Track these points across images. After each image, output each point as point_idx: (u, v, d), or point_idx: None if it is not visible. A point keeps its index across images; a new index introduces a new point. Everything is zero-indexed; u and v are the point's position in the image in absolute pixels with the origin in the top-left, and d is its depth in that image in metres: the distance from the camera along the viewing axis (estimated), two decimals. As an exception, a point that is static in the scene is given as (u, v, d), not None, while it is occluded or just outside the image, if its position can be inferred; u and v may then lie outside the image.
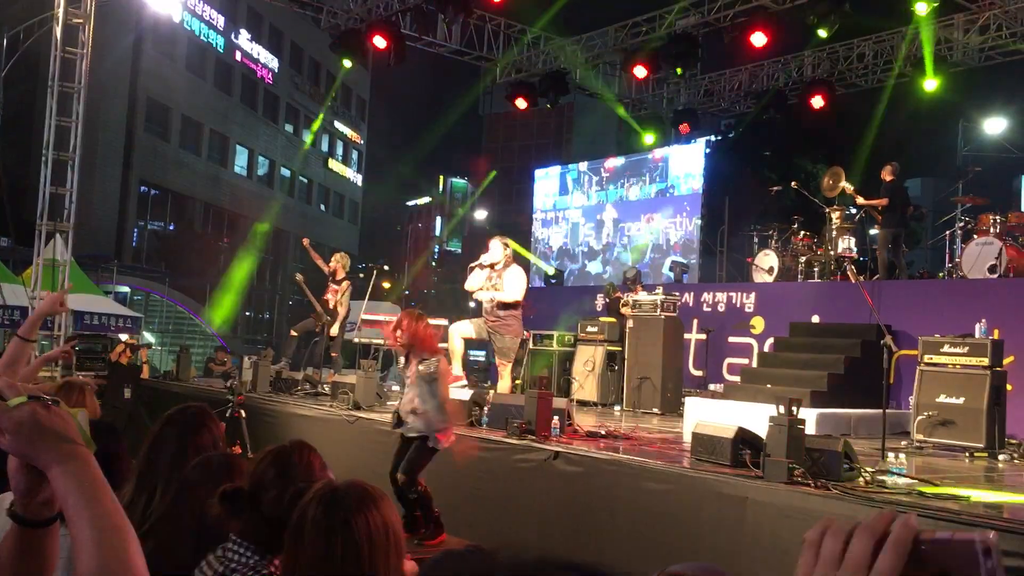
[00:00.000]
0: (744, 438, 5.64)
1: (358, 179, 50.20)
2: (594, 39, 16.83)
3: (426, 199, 63.78)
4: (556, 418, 7.03)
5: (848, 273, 9.78)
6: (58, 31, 12.47)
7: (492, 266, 8.78)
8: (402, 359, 6.57)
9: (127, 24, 26.83)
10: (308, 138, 42.97)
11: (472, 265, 9.01)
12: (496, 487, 6.73)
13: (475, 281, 8.97)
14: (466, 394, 8.05)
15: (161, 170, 32.79)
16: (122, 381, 12.76)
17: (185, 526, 2.23)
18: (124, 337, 16.05)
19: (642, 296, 11.10)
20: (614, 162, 18.94)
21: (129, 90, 30.44)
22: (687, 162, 17.47)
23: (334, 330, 11.77)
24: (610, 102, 19.67)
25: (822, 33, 12.85)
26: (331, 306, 11.70)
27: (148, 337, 23.55)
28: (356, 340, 13.59)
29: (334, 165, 47.03)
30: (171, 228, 34.58)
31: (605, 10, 16.56)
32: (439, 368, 6.26)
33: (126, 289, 24.76)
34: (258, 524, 2.10)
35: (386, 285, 11.67)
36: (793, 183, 13.82)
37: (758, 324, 11.70)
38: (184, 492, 2.32)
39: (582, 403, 10.87)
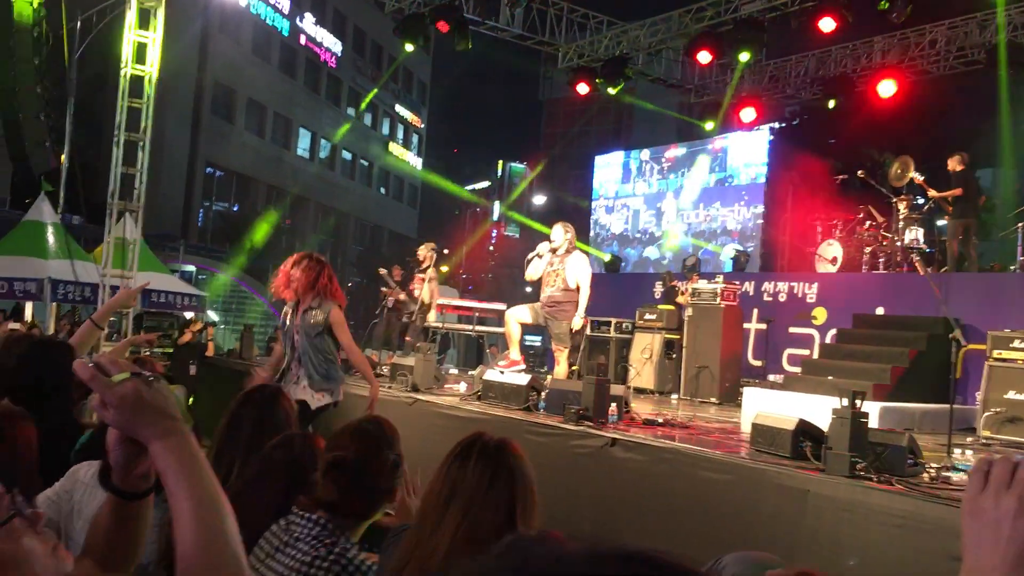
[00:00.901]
0: (805, 430, 5.57)
1: (418, 163, 50.51)
2: (657, 24, 16.64)
3: (484, 183, 63.88)
4: (614, 405, 7.02)
5: (915, 264, 9.56)
6: (131, 15, 12.74)
7: (554, 251, 8.77)
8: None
9: (196, 8, 27.33)
10: (363, 114, 43.33)
11: (530, 256, 9.01)
12: (552, 473, 6.74)
13: (536, 270, 8.96)
14: (523, 379, 8.07)
15: (226, 152, 33.38)
16: (188, 358, 13.09)
17: (268, 501, 2.28)
18: (189, 315, 16.42)
19: (701, 284, 11.00)
20: (675, 151, 18.76)
21: (197, 73, 31.01)
22: (748, 150, 17.24)
23: (426, 317, 11.87)
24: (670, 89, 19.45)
25: (894, 18, 12.55)
26: (416, 294, 11.81)
27: (212, 316, 24.06)
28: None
29: (394, 148, 47.38)
30: (235, 209, 35.20)
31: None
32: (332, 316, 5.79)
33: (191, 268, 25.31)
34: (334, 496, 2.15)
35: (444, 269, 11.74)
36: (860, 172, 13.54)
37: (820, 315, 11.52)
38: (269, 468, 2.38)
39: (639, 391, 10.83)
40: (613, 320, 12.31)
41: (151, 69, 12.87)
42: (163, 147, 26.80)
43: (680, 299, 11.29)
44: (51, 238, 13.71)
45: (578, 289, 8.68)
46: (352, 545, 2.16)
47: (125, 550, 1.38)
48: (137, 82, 12.92)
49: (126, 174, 12.90)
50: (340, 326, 5.79)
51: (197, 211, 32.68)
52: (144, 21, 13.01)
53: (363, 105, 42.25)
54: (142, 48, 12.95)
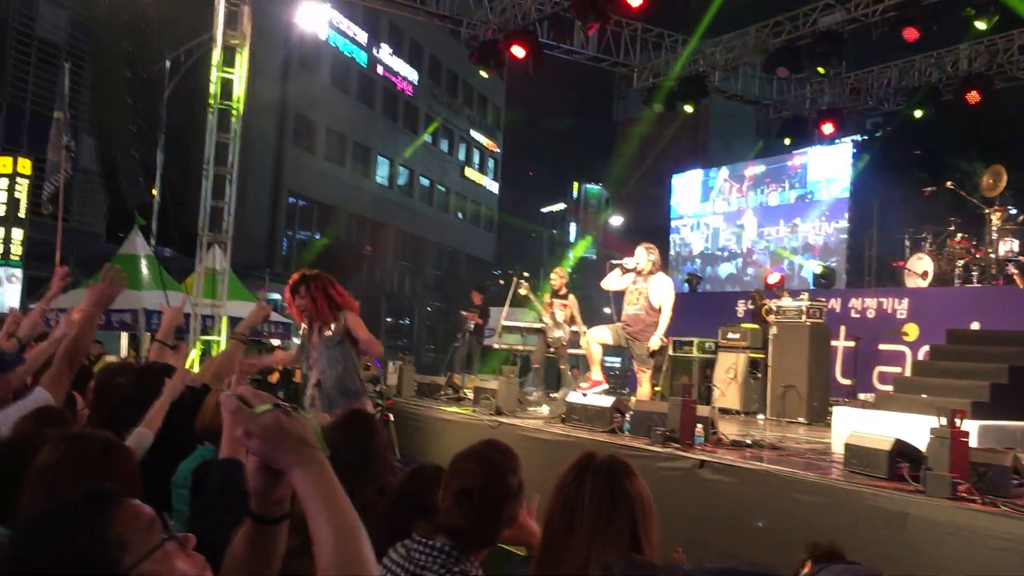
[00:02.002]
0: (902, 450, 5.41)
1: (494, 187, 50.91)
2: (734, 40, 16.52)
3: (560, 205, 63.92)
4: (700, 426, 6.93)
5: (1012, 277, 9.23)
6: (217, 53, 13.20)
7: (637, 272, 8.73)
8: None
9: (277, 43, 28.14)
10: (439, 140, 43.84)
11: (614, 263, 8.98)
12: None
13: (613, 282, 8.95)
14: (607, 400, 8.03)
15: (308, 182, 34.17)
16: (276, 385, 13.43)
17: (383, 528, 2.31)
18: (276, 342, 16.81)
19: (787, 302, 10.81)
20: (754, 169, 18.53)
21: (278, 106, 31.88)
22: (829, 165, 16.92)
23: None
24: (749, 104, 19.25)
25: (980, 25, 12.21)
26: (560, 321, 11.58)
27: (297, 343, 24.53)
28: (496, 346, 13.76)
29: (470, 173, 47.87)
30: (317, 237, 35.97)
31: (746, 11, 16.22)
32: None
33: (276, 296, 25.89)
34: (460, 523, 2.18)
35: (522, 291, 11.84)
36: (948, 183, 13.15)
37: (911, 331, 11.19)
38: (405, 499, 2.41)
39: (723, 411, 10.66)
40: (695, 340, 12.16)
41: (237, 105, 13.30)
42: (248, 179, 27.55)
43: (766, 317, 11.10)
44: (144, 270, 14.19)
45: (660, 310, 8.62)
46: (479, 572, 2.18)
47: (261, 573, 1.43)
48: (224, 117, 13.37)
49: (215, 207, 13.33)
50: (356, 326, 5.68)
51: (281, 240, 33.48)
52: (229, 59, 13.47)
53: (431, 128, 42.72)
54: (228, 84, 13.40)
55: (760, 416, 10.54)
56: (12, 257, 15.32)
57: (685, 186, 19.91)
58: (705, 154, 48.34)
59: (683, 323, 13.05)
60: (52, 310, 6.27)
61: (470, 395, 10.34)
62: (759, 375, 10.98)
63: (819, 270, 15.10)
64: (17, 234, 15.38)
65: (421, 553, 2.17)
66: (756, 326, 11.44)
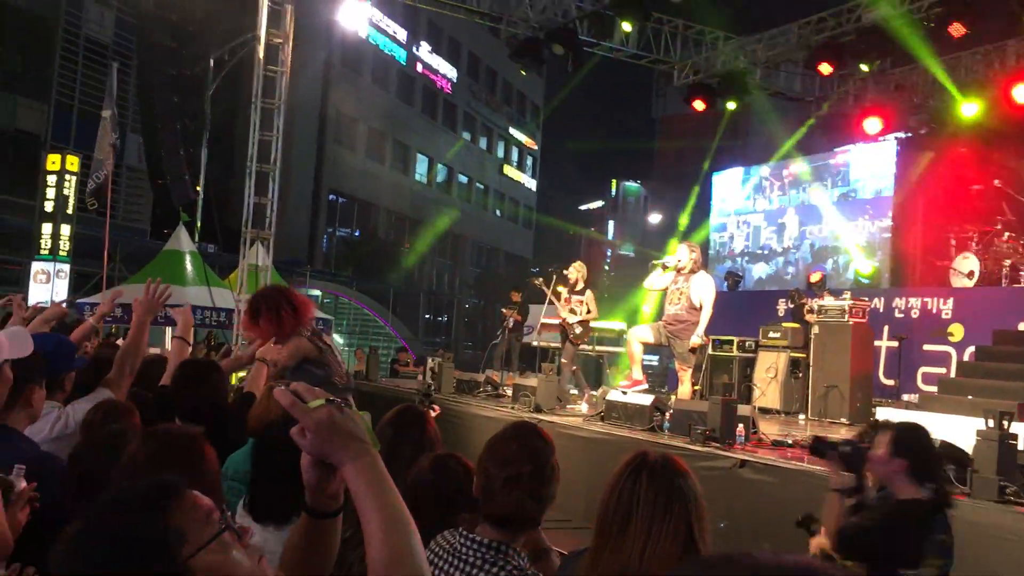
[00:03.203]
0: (947, 453, 5.34)
1: (532, 184, 50.93)
2: (776, 37, 16.36)
3: (599, 203, 63.80)
4: (741, 425, 6.90)
5: (1062, 278, 9.06)
6: (260, 51, 13.34)
7: (679, 270, 8.70)
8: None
9: (319, 41, 28.38)
10: (477, 137, 43.97)
11: (655, 263, 8.96)
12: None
13: (655, 281, 8.93)
14: (647, 399, 8.02)
15: (348, 179, 34.45)
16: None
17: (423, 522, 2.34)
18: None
19: (829, 301, 10.69)
20: (796, 167, 18.34)
21: (320, 104, 32.16)
22: (872, 162, 16.70)
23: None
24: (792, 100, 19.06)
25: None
26: (581, 315, 11.36)
27: (337, 339, 24.76)
28: (535, 344, 13.78)
29: (509, 171, 47.93)
30: (357, 234, 36.25)
31: (788, 7, 16.07)
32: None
33: (317, 292, 26.14)
34: (510, 509, 2.20)
35: (560, 289, 11.82)
36: (995, 181, 12.92)
37: (957, 331, 11.03)
38: (428, 490, 2.44)
39: (764, 411, 10.59)
40: (735, 339, 12.07)
41: (280, 102, 13.43)
42: (289, 176, 27.85)
43: (807, 317, 10.99)
44: (189, 266, 14.40)
45: (701, 308, 8.58)
46: (526, 561, 2.20)
47: (317, 565, 1.47)
48: (267, 115, 13.51)
49: (258, 204, 13.48)
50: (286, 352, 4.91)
51: (321, 237, 33.80)
52: (272, 57, 13.61)
53: (451, 150, 42.86)
54: (270, 83, 13.54)
55: (801, 416, 10.45)
56: (60, 253, 15.63)
57: (726, 184, 19.77)
58: (745, 151, 47.91)
59: (723, 322, 12.96)
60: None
61: (509, 392, 10.37)
62: (800, 375, 10.88)
63: (862, 269, 14.91)
64: (65, 230, 15.68)
65: (469, 549, 2.19)
66: (797, 325, 11.34)
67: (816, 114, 19.29)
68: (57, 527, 2.36)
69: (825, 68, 14.84)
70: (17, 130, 23.88)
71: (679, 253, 8.78)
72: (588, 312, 11.22)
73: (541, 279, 11.95)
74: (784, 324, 11.64)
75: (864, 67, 15.01)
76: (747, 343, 11.90)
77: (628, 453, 2.13)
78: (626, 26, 14.46)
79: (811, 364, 10.51)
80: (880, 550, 3.08)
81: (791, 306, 12.47)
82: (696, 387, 10.20)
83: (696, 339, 8.63)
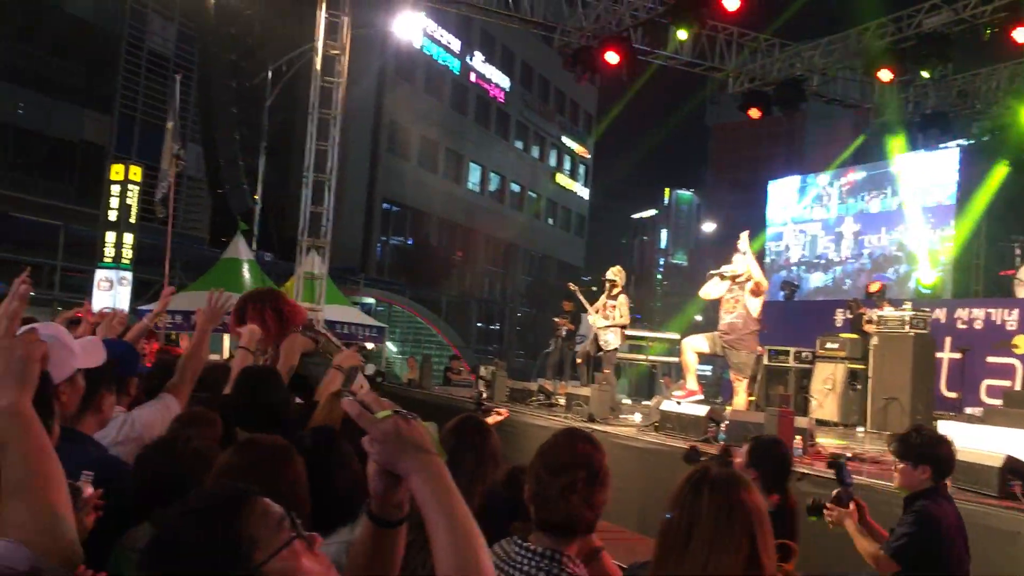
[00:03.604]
0: (1013, 467, 5.21)
1: (585, 193, 50.88)
2: (833, 44, 16.13)
3: (651, 211, 63.54)
4: (798, 438, 6.79)
5: None
6: (318, 62, 13.56)
7: (734, 279, 8.62)
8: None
9: (373, 52, 28.71)
10: (530, 146, 44.10)
11: (712, 273, 8.89)
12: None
13: (712, 290, 8.85)
14: (702, 409, 7.95)
15: (401, 188, 34.75)
16: (346, 384, 13.69)
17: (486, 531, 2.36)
18: (370, 346, 17.14)
19: (888, 312, 10.48)
20: (855, 175, 18.05)
21: (374, 114, 32.51)
22: (933, 170, 16.37)
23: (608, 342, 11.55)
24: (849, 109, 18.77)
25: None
26: (615, 319, 11.36)
27: (390, 346, 24.96)
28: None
29: (561, 179, 47.94)
30: (410, 243, 36.53)
31: (846, 13, 15.86)
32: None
33: (371, 300, 26.39)
34: (565, 515, 2.21)
35: (572, 287, 12.00)
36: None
37: (1022, 343, 10.74)
38: (499, 502, 2.46)
39: (821, 423, 10.40)
40: (791, 349, 11.89)
41: (336, 112, 13.63)
42: (344, 185, 28.19)
43: (867, 327, 10.79)
44: (247, 274, 14.63)
45: (759, 318, 8.49)
46: (582, 569, 2.20)
47: (382, 573, 1.48)
48: (323, 125, 13.72)
49: (314, 212, 13.68)
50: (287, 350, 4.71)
51: (375, 245, 34.12)
52: (328, 68, 13.82)
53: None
54: (327, 93, 13.75)
55: (859, 429, 10.25)
56: (123, 261, 15.97)
57: (781, 192, 19.53)
58: (801, 159, 47.35)
59: (778, 332, 12.80)
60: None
61: (561, 401, 10.35)
62: (859, 386, 10.67)
63: (924, 279, 14.61)
64: (128, 238, 16.03)
65: (524, 558, 2.20)
66: (856, 336, 11.13)
67: (875, 121, 18.99)
68: (121, 531, 2.43)
69: (885, 75, 14.59)
70: (83, 141, 24.55)
71: (734, 261, 8.70)
72: (620, 317, 11.17)
73: (576, 286, 11.90)
74: (842, 335, 11.44)
75: (926, 74, 14.73)
76: (803, 354, 11.71)
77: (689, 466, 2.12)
78: (681, 34, 14.37)
79: (870, 376, 10.30)
80: None
81: (849, 316, 12.25)
82: (751, 398, 10.09)
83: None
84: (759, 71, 16.90)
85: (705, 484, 1.98)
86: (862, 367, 10.66)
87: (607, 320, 11.07)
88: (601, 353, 11.36)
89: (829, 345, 11.24)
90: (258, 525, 1.25)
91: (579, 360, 11.48)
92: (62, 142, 23.83)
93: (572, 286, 12.04)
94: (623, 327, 11.28)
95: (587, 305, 11.41)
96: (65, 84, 24.01)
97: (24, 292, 4.18)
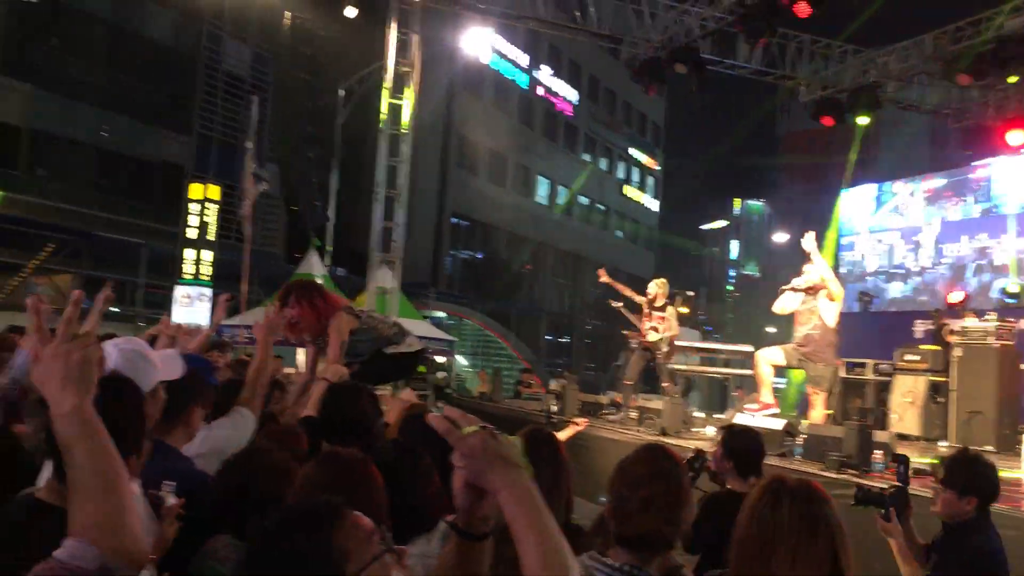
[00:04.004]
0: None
1: (653, 204, 50.56)
2: (909, 49, 15.77)
3: (722, 222, 62.79)
4: (878, 452, 6.63)
5: None
6: (388, 79, 13.79)
7: (807, 290, 8.48)
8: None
9: (442, 68, 29.04)
10: (598, 159, 44.03)
11: (784, 288, 8.76)
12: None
13: (786, 304, 8.71)
14: (778, 423, 7.82)
15: (470, 203, 35.01)
16: (437, 397, 13.91)
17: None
18: (440, 359, 17.27)
19: (971, 323, 10.18)
20: (933, 183, 17.57)
21: (443, 129, 32.86)
22: (1017, 176, 15.84)
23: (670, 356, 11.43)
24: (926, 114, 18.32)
25: None
26: (661, 333, 11.15)
27: (460, 360, 25.10)
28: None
29: (630, 191, 47.73)
30: (479, 257, 36.76)
31: (921, 17, 15.49)
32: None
33: (441, 314, 26.61)
34: (644, 530, 2.21)
35: (683, 310, 11.69)
36: None
37: (1113, 355, 10.30)
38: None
39: (901, 437, 10.10)
40: (869, 362, 11.60)
41: (407, 129, 13.83)
42: (413, 199, 28.53)
43: (949, 338, 10.48)
44: (320, 289, 14.86)
45: (836, 328, 8.33)
46: None
47: None
48: (394, 142, 13.93)
49: (385, 227, 13.89)
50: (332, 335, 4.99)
51: (445, 259, 34.41)
52: (399, 86, 14.04)
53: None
54: (397, 110, 13.96)
55: (942, 443, 9.95)
56: (202, 277, 16.42)
57: (856, 201, 19.11)
58: (876, 167, 46.28)
59: (856, 344, 12.52)
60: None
61: (633, 414, 10.28)
62: (940, 399, 10.37)
63: (1009, 288, 14.14)
64: (207, 255, 16.48)
65: (603, 573, 2.19)
66: (937, 347, 10.82)
67: (954, 127, 18.50)
68: (201, 542, 2.50)
69: (965, 79, 14.20)
70: (163, 161, 25.34)
71: (807, 273, 8.55)
72: (669, 329, 11.03)
73: (621, 303, 11.71)
74: (922, 346, 11.14)
75: (1013, 78, 14.28)
76: (882, 366, 11.42)
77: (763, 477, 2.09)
78: (750, 44, 14.24)
79: (953, 389, 10.01)
80: (699, 538, 3.30)
81: (930, 327, 11.93)
82: (829, 411, 9.88)
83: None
84: (831, 78, 16.61)
85: (784, 495, 1.95)
86: (944, 380, 10.35)
87: (658, 334, 10.96)
88: (655, 364, 11.29)
89: (909, 357, 10.94)
90: (350, 538, 1.28)
91: (628, 381, 11.32)
92: (144, 163, 24.65)
93: (614, 303, 11.86)
94: (672, 339, 11.16)
95: (638, 322, 11.30)
96: (146, 106, 24.83)
97: (106, 299, 4.36)
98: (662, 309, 11.09)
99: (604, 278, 11.64)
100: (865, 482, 5.94)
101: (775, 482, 2.02)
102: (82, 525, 1.37)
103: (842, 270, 18.56)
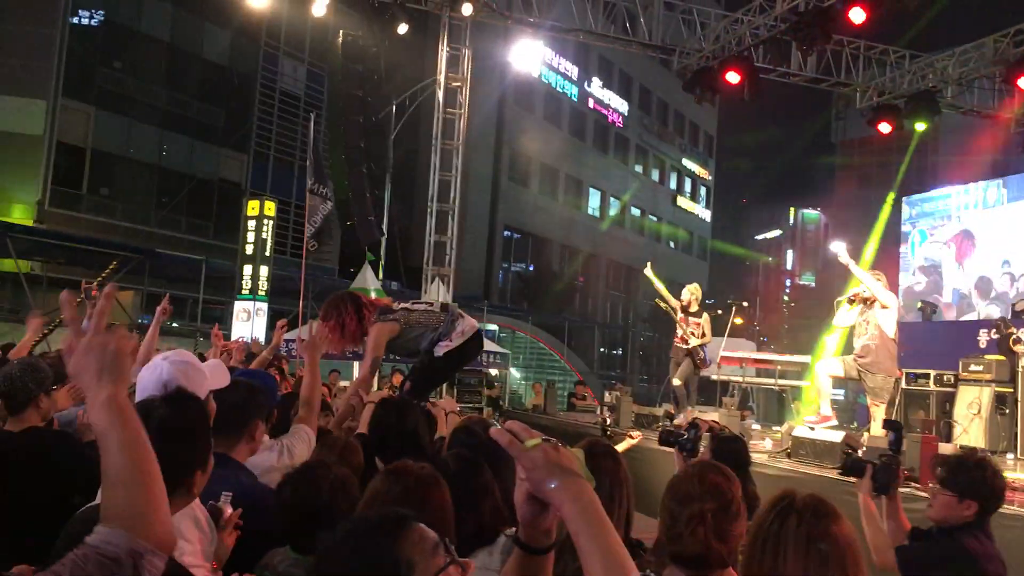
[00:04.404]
0: None
1: (706, 215, 50.16)
2: (968, 52, 15.47)
3: (776, 232, 62.00)
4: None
5: None
6: (440, 94, 13.90)
7: (865, 301, 8.33)
8: None
9: (493, 82, 29.23)
10: (650, 169, 43.80)
11: (839, 299, 8.62)
12: (875, 536, 6.31)
13: (845, 318, 8.57)
14: (837, 436, 7.68)
15: (522, 215, 35.11)
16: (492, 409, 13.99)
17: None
18: (494, 372, 17.30)
19: (1038, 332, 9.90)
20: (994, 189, 17.16)
21: (494, 142, 33.04)
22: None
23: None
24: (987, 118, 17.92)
25: None
26: (687, 339, 11.12)
27: (514, 373, 25.10)
28: (715, 377, 13.48)
29: (682, 202, 47.42)
30: (531, 269, 36.79)
31: (981, 20, 15.19)
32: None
33: (494, 327, 26.65)
34: (698, 549, 2.19)
35: (738, 321, 11.56)
36: None
37: None
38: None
39: (966, 449, 9.88)
40: (932, 372, 11.34)
41: (459, 143, 13.93)
42: (466, 213, 28.70)
43: (1015, 348, 10.21)
44: (374, 303, 14.99)
45: (895, 338, 8.17)
46: None
47: None
48: (446, 156, 14.04)
49: (438, 241, 13.98)
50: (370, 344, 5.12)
51: (497, 272, 34.52)
52: (451, 100, 14.16)
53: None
54: (449, 124, 14.08)
55: (1009, 456, 9.67)
56: (260, 292, 16.66)
57: (915, 208, 18.75)
58: (936, 175, 45.37)
59: (917, 354, 12.24)
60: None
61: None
62: (1007, 411, 10.09)
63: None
64: (263, 271, 16.72)
65: None
66: (1003, 357, 10.54)
67: (1016, 132, 18.07)
68: (261, 554, 2.55)
69: (1024, 83, 13.88)
70: (221, 179, 25.88)
71: (861, 282, 8.41)
72: (703, 336, 10.92)
73: (666, 304, 11.56)
74: (987, 356, 10.86)
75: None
76: (945, 377, 11.16)
77: (777, 490, 2.04)
78: (803, 51, 14.08)
79: (1020, 399, 9.73)
80: None
81: (995, 337, 11.61)
82: (890, 423, 9.67)
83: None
84: (888, 84, 16.35)
85: (792, 512, 1.90)
86: (1010, 390, 10.08)
87: (697, 339, 10.87)
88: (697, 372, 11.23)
89: (973, 367, 10.67)
90: (415, 550, 1.29)
91: (678, 382, 11.14)
92: (202, 181, 25.20)
93: (664, 305, 11.70)
94: (702, 345, 11.06)
95: (684, 327, 11.16)
96: (204, 126, 25.41)
97: (163, 312, 4.46)
98: (697, 315, 10.98)
99: (649, 271, 11.54)
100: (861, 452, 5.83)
101: (783, 498, 1.97)
102: (113, 511, 1.40)
103: (904, 282, 18.20)
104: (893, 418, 10.00)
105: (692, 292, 11.29)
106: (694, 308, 11.17)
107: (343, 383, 12.72)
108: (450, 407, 4.94)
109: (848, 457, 3.75)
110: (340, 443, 3.48)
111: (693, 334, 10.92)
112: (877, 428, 8.53)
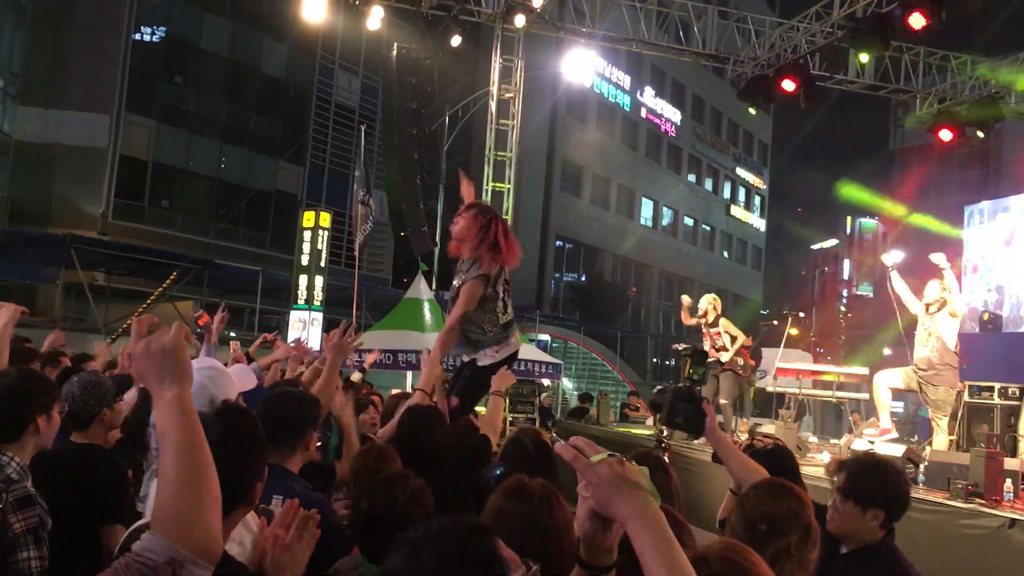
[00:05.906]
0: None
1: (761, 224, 49.56)
2: (1033, 57, 15.10)
3: (832, 242, 60.97)
4: (1008, 481, 6.30)
5: None
6: (493, 106, 13.96)
7: (927, 307, 8.15)
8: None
9: (546, 93, 29.29)
10: (704, 179, 43.43)
11: (905, 298, 8.46)
12: (936, 555, 6.16)
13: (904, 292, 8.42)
14: (898, 449, 7.52)
15: (574, 225, 35.06)
16: (545, 420, 13.92)
17: None
18: (546, 382, 17.26)
19: (1108, 344, 9.59)
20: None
21: (546, 153, 33.07)
22: None
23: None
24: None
25: None
26: (719, 356, 10.86)
27: (566, 383, 25.02)
28: (770, 389, 13.30)
29: (736, 211, 46.94)
30: (583, 279, 36.70)
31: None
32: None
33: (546, 337, 26.62)
34: None
35: (793, 332, 11.39)
36: None
37: None
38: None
39: (1033, 465, 9.59)
40: (996, 385, 11.02)
41: (511, 154, 13.97)
42: (518, 223, 28.75)
43: (1083, 361, 9.90)
44: (427, 313, 15.07)
45: (956, 350, 7.98)
46: None
47: None
48: (499, 166, 14.09)
49: (491, 252, 14.01)
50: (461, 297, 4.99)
51: (549, 282, 34.50)
52: (503, 110, 14.22)
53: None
54: (502, 135, 14.13)
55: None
56: (315, 302, 16.85)
57: (977, 216, 18.28)
58: (999, 181, 44.27)
59: (981, 366, 11.90)
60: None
61: (742, 438, 10.04)
62: (1075, 425, 9.77)
63: None
64: (319, 281, 16.91)
65: None
66: (1071, 370, 10.22)
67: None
68: (327, 565, 2.57)
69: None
70: (277, 191, 26.30)
71: (928, 290, 8.24)
72: (734, 341, 10.67)
73: (696, 316, 11.35)
74: (1054, 369, 10.53)
75: None
76: (1010, 390, 10.81)
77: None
78: (862, 57, 13.85)
79: (1089, 413, 9.43)
80: None
81: (1062, 349, 11.28)
82: (951, 437, 9.45)
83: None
84: (949, 90, 16.01)
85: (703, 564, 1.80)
86: (1080, 404, 9.77)
87: (729, 352, 10.68)
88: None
89: (1039, 380, 10.37)
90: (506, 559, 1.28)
91: (724, 400, 10.95)
92: (260, 193, 25.65)
93: (693, 321, 11.41)
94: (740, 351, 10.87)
95: (712, 337, 10.97)
96: (262, 138, 25.89)
97: (221, 320, 4.54)
98: (715, 325, 10.78)
99: (685, 302, 11.33)
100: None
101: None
102: (159, 513, 1.41)
103: (967, 292, 17.75)
104: (955, 433, 9.77)
105: (709, 302, 11.04)
106: (711, 318, 10.91)
107: (394, 390, 12.77)
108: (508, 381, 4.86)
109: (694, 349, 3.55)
110: (378, 449, 3.49)
111: (723, 347, 10.68)
112: (940, 442, 8.34)
